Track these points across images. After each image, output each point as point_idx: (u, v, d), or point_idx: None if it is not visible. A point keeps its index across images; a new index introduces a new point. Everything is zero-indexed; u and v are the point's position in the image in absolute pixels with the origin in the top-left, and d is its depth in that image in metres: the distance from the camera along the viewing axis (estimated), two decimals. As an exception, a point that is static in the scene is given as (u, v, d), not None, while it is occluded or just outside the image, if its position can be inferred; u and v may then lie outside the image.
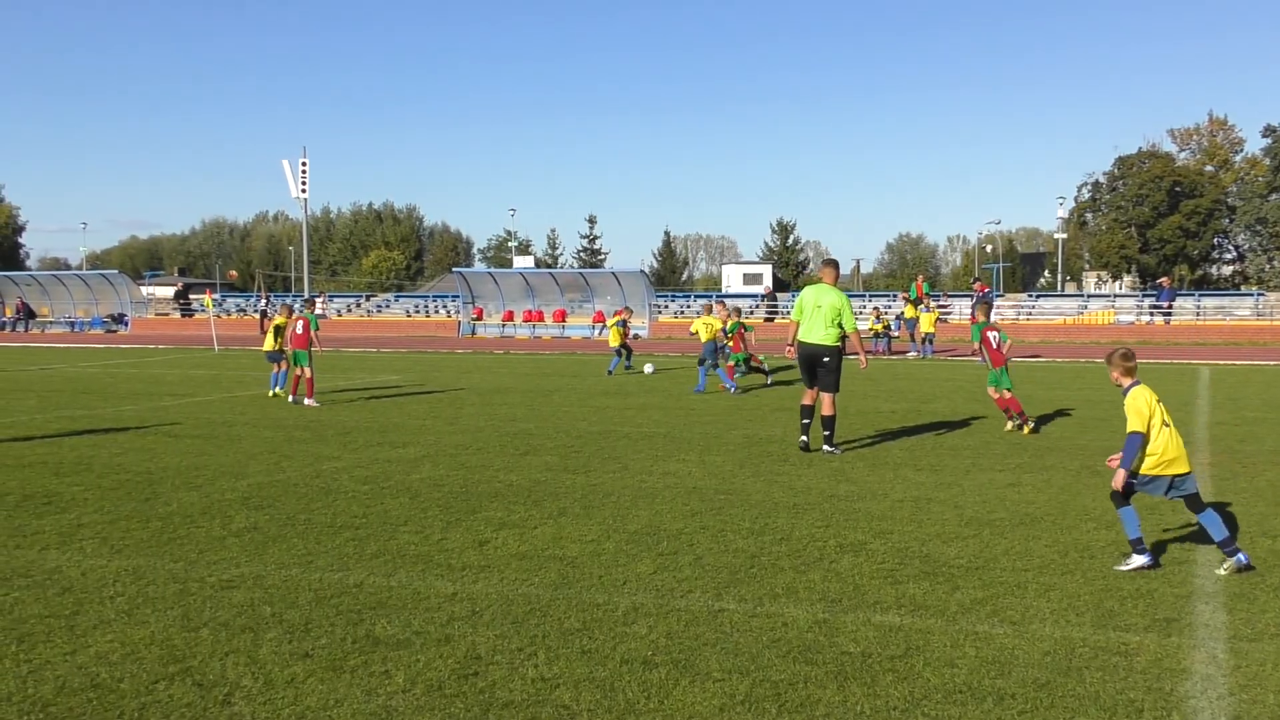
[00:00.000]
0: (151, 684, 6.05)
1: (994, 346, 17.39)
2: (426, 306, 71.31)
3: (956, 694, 5.94)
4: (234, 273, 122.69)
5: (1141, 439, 8.51)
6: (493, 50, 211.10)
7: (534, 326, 60.40)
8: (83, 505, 11.11)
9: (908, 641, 6.78)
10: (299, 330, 21.44)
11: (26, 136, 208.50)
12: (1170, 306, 53.17)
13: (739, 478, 12.75)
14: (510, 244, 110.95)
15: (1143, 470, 8.61)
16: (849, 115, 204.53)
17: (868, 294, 69.79)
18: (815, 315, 14.76)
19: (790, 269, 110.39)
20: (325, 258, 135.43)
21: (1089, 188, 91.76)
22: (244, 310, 72.05)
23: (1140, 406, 8.53)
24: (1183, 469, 8.60)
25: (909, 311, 40.64)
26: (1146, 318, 53.22)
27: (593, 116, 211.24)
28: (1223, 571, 8.39)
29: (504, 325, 60.76)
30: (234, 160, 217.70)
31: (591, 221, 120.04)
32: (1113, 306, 56.91)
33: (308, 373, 21.20)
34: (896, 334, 43.09)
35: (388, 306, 73.71)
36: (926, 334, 39.13)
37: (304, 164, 71.06)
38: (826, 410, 14.80)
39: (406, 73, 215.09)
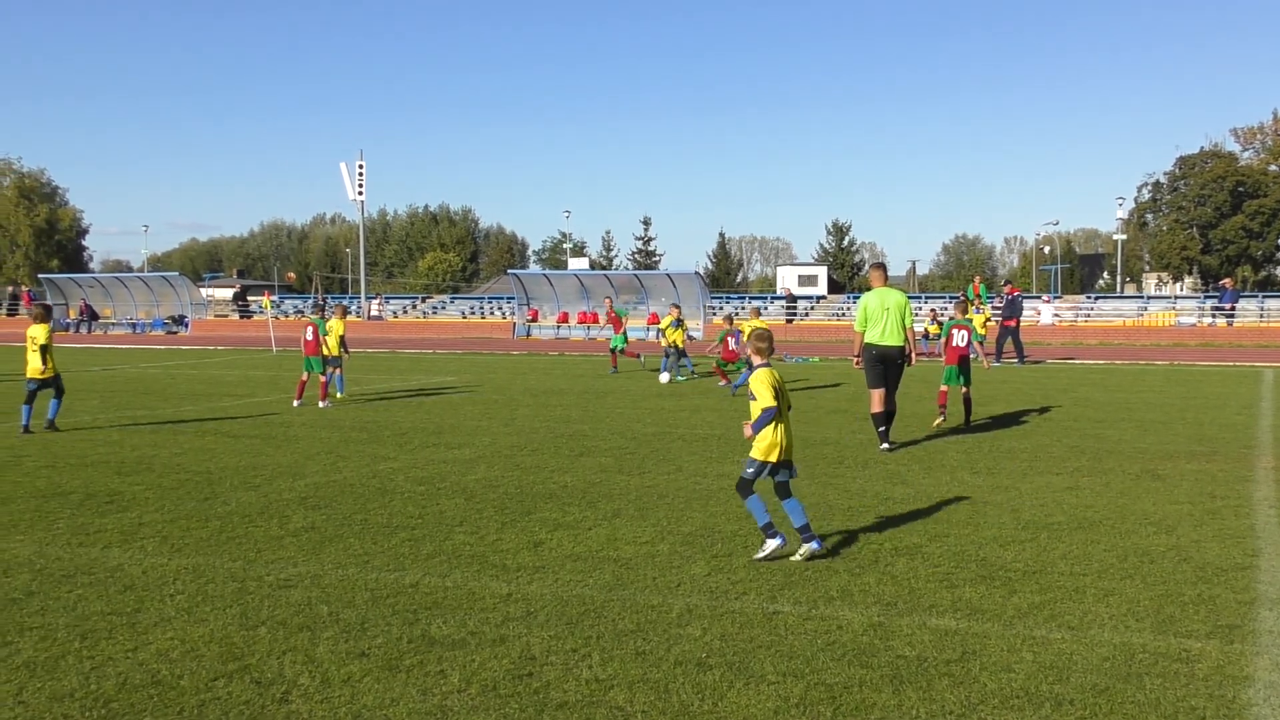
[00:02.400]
0: (211, 681, 6.12)
1: (954, 344, 17.74)
2: (482, 308, 71.60)
3: (1013, 699, 5.88)
4: (292, 275, 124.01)
5: (773, 412, 8.81)
6: (548, 53, 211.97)
7: (588, 328, 60.47)
8: (144, 504, 11.26)
9: (964, 646, 6.73)
10: (308, 337, 21.61)
11: (90, 141, 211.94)
12: (1233, 308, 52.39)
13: (793, 480, 12.67)
14: (565, 246, 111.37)
15: (753, 454, 8.91)
16: (905, 115, 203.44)
17: (923, 295, 69.37)
18: (886, 318, 15.12)
19: (845, 270, 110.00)
20: (382, 259, 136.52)
21: (1149, 188, 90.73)
22: (301, 312, 72.68)
23: (769, 384, 8.86)
24: (775, 458, 8.88)
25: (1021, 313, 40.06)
26: (1209, 320, 52.44)
27: (648, 118, 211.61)
28: (797, 557, 8.82)
29: (559, 327, 60.89)
30: (292, 163, 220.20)
31: (646, 223, 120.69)
32: (1174, 308, 56.14)
33: (320, 377, 21.47)
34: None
35: (443, 308, 74.09)
36: (980, 336, 38.74)
37: (361, 167, 71.58)
38: (889, 407, 15.21)
39: (462, 75, 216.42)
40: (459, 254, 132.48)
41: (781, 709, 5.75)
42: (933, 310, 46.99)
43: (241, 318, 70.84)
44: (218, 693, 5.96)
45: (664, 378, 26.92)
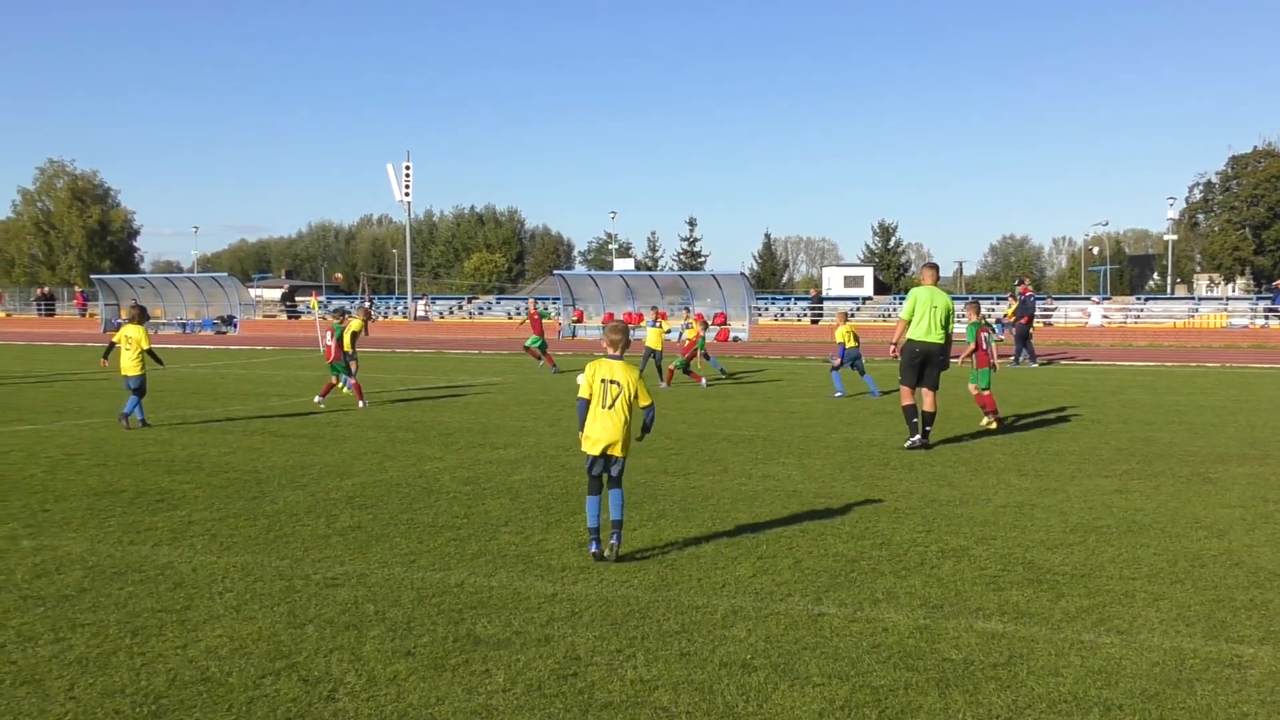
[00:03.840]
0: (259, 679, 6.18)
1: (983, 347, 17.74)
2: (527, 309, 71.79)
3: (1061, 704, 5.83)
4: (339, 275, 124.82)
5: (585, 404, 8.97)
6: (593, 53, 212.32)
7: (634, 328, 60.53)
8: (193, 503, 11.37)
9: (1011, 649, 6.68)
10: (329, 342, 21.71)
11: (141, 143, 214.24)
12: (1286, 310, 51.73)
13: (839, 481, 12.66)
14: (610, 246, 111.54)
15: (584, 448, 8.99)
16: (951, 114, 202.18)
17: (970, 296, 68.92)
18: (931, 316, 15.26)
19: (891, 271, 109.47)
20: (428, 260, 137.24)
21: (1201, 188, 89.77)
22: (348, 312, 73.19)
23: (587, 376, 8.95)
24: (594, 452, 8.95)
25: (1011, 314, 39.83)
26: (1261, 321, 51.78)
27: (693, 118, 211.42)
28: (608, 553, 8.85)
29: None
30: (340, 165, 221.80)
31: (691, 224, 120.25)
32: (1225, 310, 55.49)
33: (345, 381, 21.53)
34: (1000, 337, 42.36)
35: (489, 308, 74.36)
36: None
37: (407, 168, 71.96)
38: (929, 406, 15.31)
39: (508, 76, 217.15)
40: (505, 255, 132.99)
41: (826, 711, 5.73)
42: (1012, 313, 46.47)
43: (289, 318, 71.37)
44: (265, 690, 6.02)
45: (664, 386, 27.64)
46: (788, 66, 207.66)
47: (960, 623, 7.22)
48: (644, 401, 9.17)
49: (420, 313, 71.38)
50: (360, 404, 21.24)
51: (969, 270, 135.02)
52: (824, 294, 77.96)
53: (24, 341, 51.07)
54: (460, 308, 75.81)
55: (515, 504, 11.28)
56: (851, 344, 23.51)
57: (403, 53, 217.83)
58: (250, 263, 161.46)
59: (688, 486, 12.29)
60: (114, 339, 18.35)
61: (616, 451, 9.03)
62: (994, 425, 17.36)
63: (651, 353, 26.50)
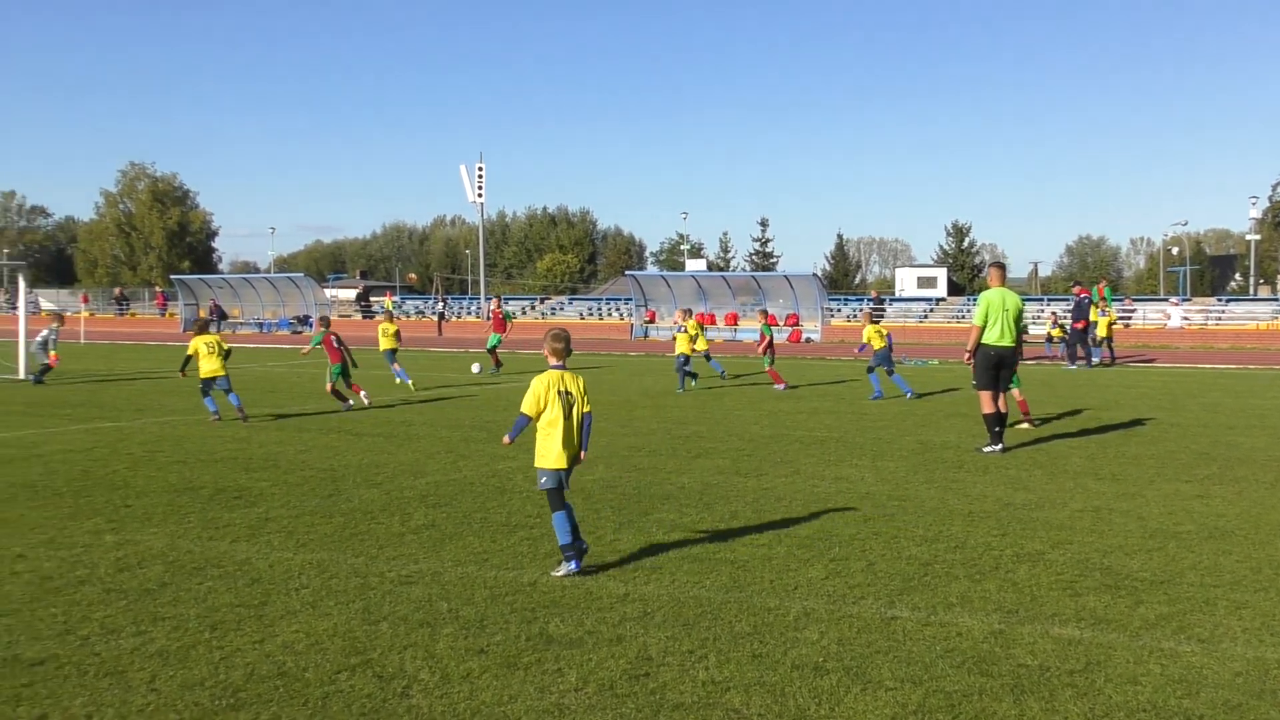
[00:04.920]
0: (334, 674, 6.25)
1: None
2: (600, 309, 72.01)
3: (1140, 712, 5.75)
4: (413, 275, 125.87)
5: (525, 421, 8.68)
6: (665, 54, 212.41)
7: (705, 329, 60.46)
8: (270, 500, 11.53)
9: (1088, 656, 6.60)
10: (334, 345, 21.58)
11: (220, 146, 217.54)
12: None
13: (912, 484, 12.57)
14: (682, 247, 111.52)
15: (538, 464, 8.69)
16: (1026, 112, 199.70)
17: (1045, 298, 68.09)
18: (1004, 319, 15.14)
19: (965, 272, 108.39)
20: (501, 261, 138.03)
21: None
22: (422, 312, 73.84)
23: (538, 390, 8.68)
24: (562, 465, 8.65)
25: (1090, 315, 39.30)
26: (1347, 323, 50.69)
27: (765, 118, 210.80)
28: (555, 574, 8.46)
29: (675, 328, 60.97)
30: (413, 166, 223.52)
31: (764, 224, 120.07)
32: (1311, 311, 54.36)
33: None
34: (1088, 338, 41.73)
35: (562, 309, 74.64)
36: (1103, 338, 37.90)
37: (481, 169, 72.50)
38: (1002, 408, 15.24)
39: (580, 77, 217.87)
40: (577, 255, 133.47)
41: (899, 716, 5.69)
42: (1053, 314, 46.00)
43: (364, 318, 72.14)
44: (341, 686, 6.08)
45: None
46: (862, 65, 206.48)
47: (1036, 628, 7.14)
48: (585, 408, 8.98)
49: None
50: (361, 395, 21.43)
51: (1044, 271, 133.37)
52: (897, 295, 77.46)
53: (106, 341, 52.05)
54: (533, 308, 76.17)
55: (588, 504, 11.31)
56: (880, 344, 23.35)
57: (475, 54, 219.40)
58: (325, 263, 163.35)
59: (760, 488, 12.26)
60: (189, 352, 19.21)
61: (573, 463, 8.81)
62: (1032, 426, 17.55)
63: (683, 359, 25.77)
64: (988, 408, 15.14)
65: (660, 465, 13.87)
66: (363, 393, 21.42)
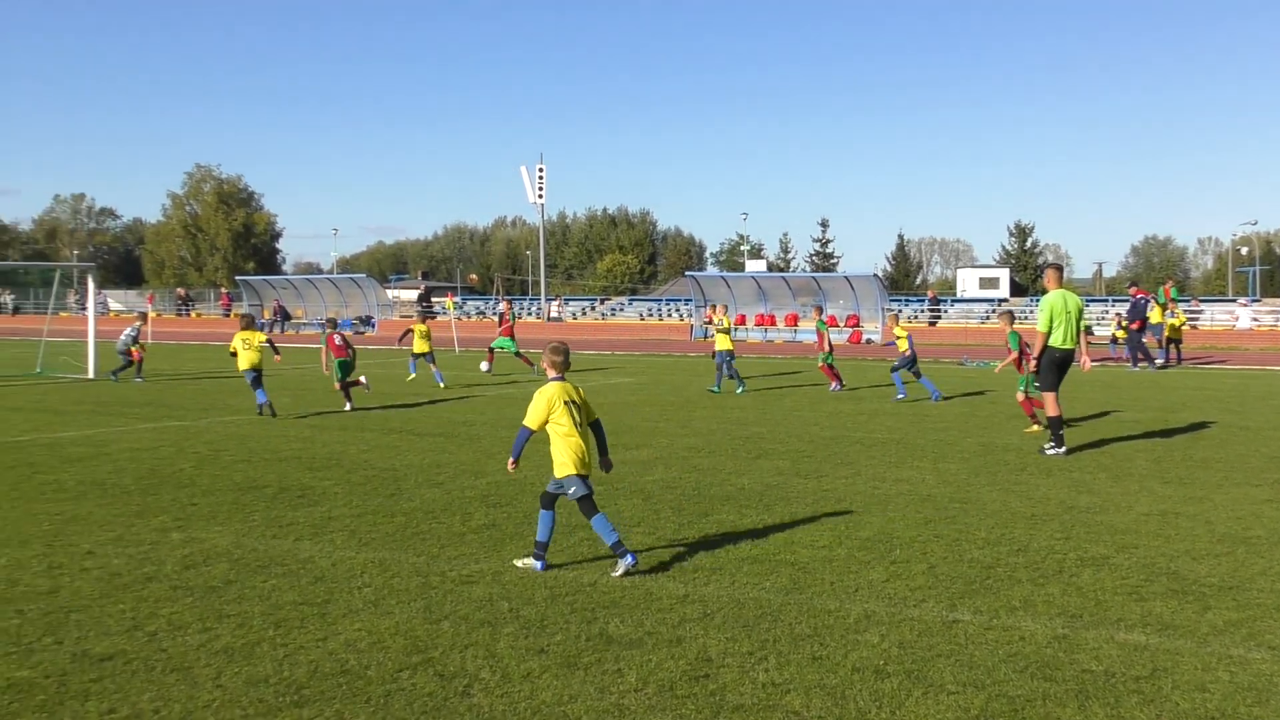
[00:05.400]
0: (396, 672, 6.30)
1: (1028, 353, 17.49)
2: (659, 310, 72.05)
3: None
4: (474, 276, 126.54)
5: (527, 433, 8.67)
6: (725, 55, 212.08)
7: (765, 330, 60.33)
8: (333, 499, 11.64)
9: (1154, 662, 6.51)
10: (338, 343, 21.99)
11: (284, 148, 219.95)
12: None
13: (974, 486, 12.47)
14: (742, 248, 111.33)
15: (564, 473, 8.62)
16: (1091, 111, 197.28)
17: (1110, 299, 67.25)
18: (1068, 322, 15.14)
19: (1028, 273, 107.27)
20: (561, 261, 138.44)
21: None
22: (483, 313, 74.24)
23: (542, 403, 8.65)
24: (585, 471, 8.63)
25: (1155, 316, 38.81)
26: None
27: (826, 119, 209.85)
28: (518, 563, 8.68)
29: (736, 329, 60.87)
30: (474, 167, 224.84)
31: (824, 225, 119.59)
32: (1384, 312, 53.29)
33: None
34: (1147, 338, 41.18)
35: (621, 309, 74.77)
36: (1169, 340, 37.39)
37: (541, 170, 72.75)
38: (1054, 411, 15.16)
39: (640, 78, 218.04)
40: (637, 256, 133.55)
41: (962, 720, 5.65)
42: (1118, 315, 45.42)
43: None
44: (402, 684, 6.13)
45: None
46: (924, 64, 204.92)
47: (1101, 633, 7.05)
48: (594, 416, 9.04)
49: (553, 313, 72.05)
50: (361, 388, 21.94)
51: (1109, 272, 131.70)
52: (959, 295, 76.86)
53: (173, 341, 52.76)
54: (593, 308, 76.37)
55: (647, 504, 11.32)
56: (904, 347, 23.24)
57: (537, 55, 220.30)
58: (387, 264, 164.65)
59: (820, 489, 12.21)
60: (231, 349, 20.30)
61: (589, 469, 8.79)
62: (1038, 430, 17.40)
63: (725, 356, 25.41)
64: (1053, 410, 15.02)
65: (720, 466, 13.85)
66: (363, 378, 21.91)
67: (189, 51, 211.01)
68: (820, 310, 27.11)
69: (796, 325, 59.59)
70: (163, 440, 16.25)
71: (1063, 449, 14.82)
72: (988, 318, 60.56)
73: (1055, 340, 15.06)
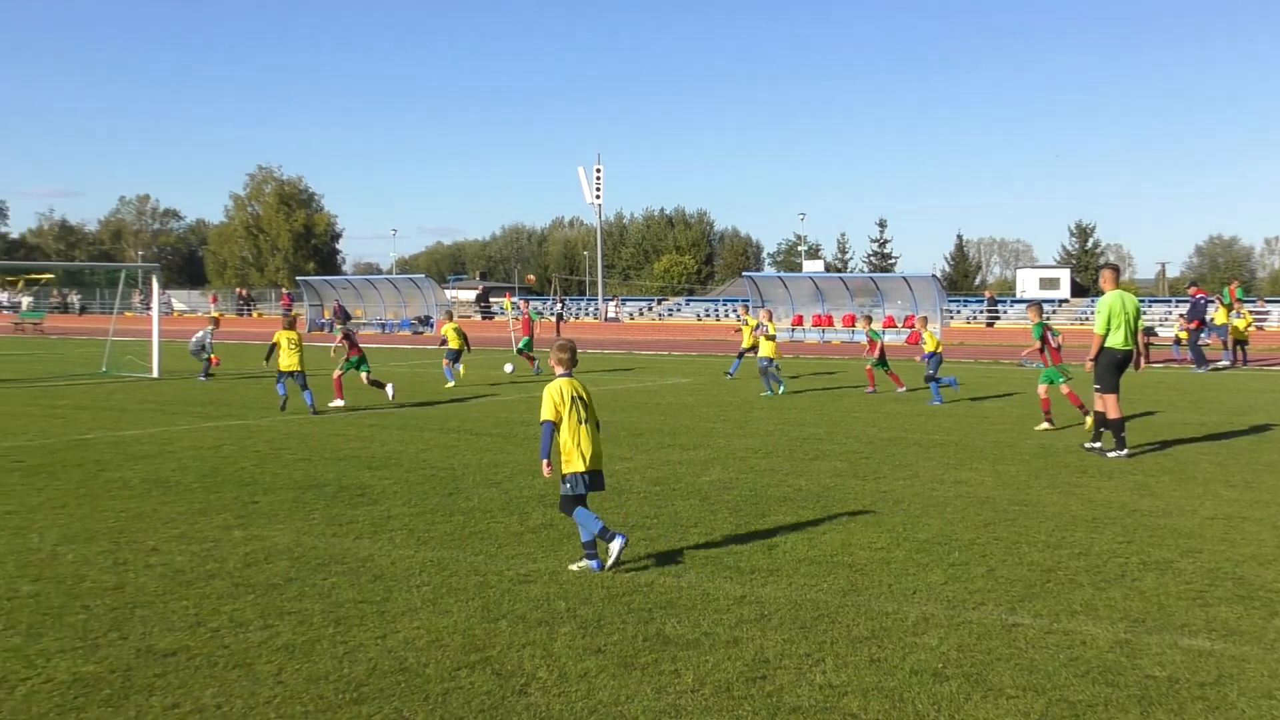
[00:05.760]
0: (454, 671, 6.34)
1: (1054, 346, 18.02)
2: (716, 310, 71.94)
3: (1273, 726, 5.58)
4: (531, 277, 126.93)
5: (550, 427, 8.66)
6: (784, 54, 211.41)
7: (823, 331, 60.09)
8: (392, 498, 11.72)
9: (1219, 668, 6.41)
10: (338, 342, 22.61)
11: (344, 150, 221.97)
12: None
13: (1034, 488, 12.35)
14: (800, 248, 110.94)
15: (561, 470, 8.76)
16: (1153, 108, 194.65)
17: (1173, 299, 66.35)
18: (1126, 321, 15.00)
19: (1089, 274, 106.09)
20: (618, 262, 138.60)
21: None
22: (541, 313, 74.47)
23: (552, 397, 8.71)
24: (583, 468, 8.71)
25: (1220, 317, 38.27)
26: None
27: (883, 119, 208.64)
28: (574, 568, 8.68)
29: (793, 329, 60.69)
30: (532, 168, 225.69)
31: (882, 225, 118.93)
32: None
33: (362, 376, 22.42)
34: (1208, 340, 40.65)
35: (679, 310, 74.76)
36: (1235, 341, 36.85)
37: (599, 171, 72.95)
38: (1115, 414, 15.00)
39: (697, 78, 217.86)
40: (694, 256, 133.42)
41: (1022, 724, 5.60)
42: (1181, 316, 44.77)
43: (483, 319, 73.02)
44: (460, 682, 6.16)
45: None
46: (979, 63, 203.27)
47: (1164, 639, 6.96)
48: (596, 417, 9.12)
49: (610, 314, 72.15)
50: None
51: (1172, 272, 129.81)
52: (1018, 296, 76.17)
53: (234, 340, 53.36)
54: (650, 309, 76.42)
55: (704, 505, 11.31)
56: (931, 347, 23.03)
57: (594, 56, 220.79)
58: (446, 264, 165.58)
59: (878, 491, 12.15)
60: (273, 342, 21.21)
61: (600, 464, 8.91)
62: (1089, 423, 17.19)
63: (766, 362, 24.94)
64: (1114, 412, 14.87)
65: (777, 467, 13.82)
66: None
67: (252, 55, 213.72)
68: (869, 320, 26.60)
69: (854, 326, 59.27)
70: (225, 439, 16.45)
71: (1124, 451, 14.66)
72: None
73: (1115, 341, 14.91)
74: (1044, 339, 18.00)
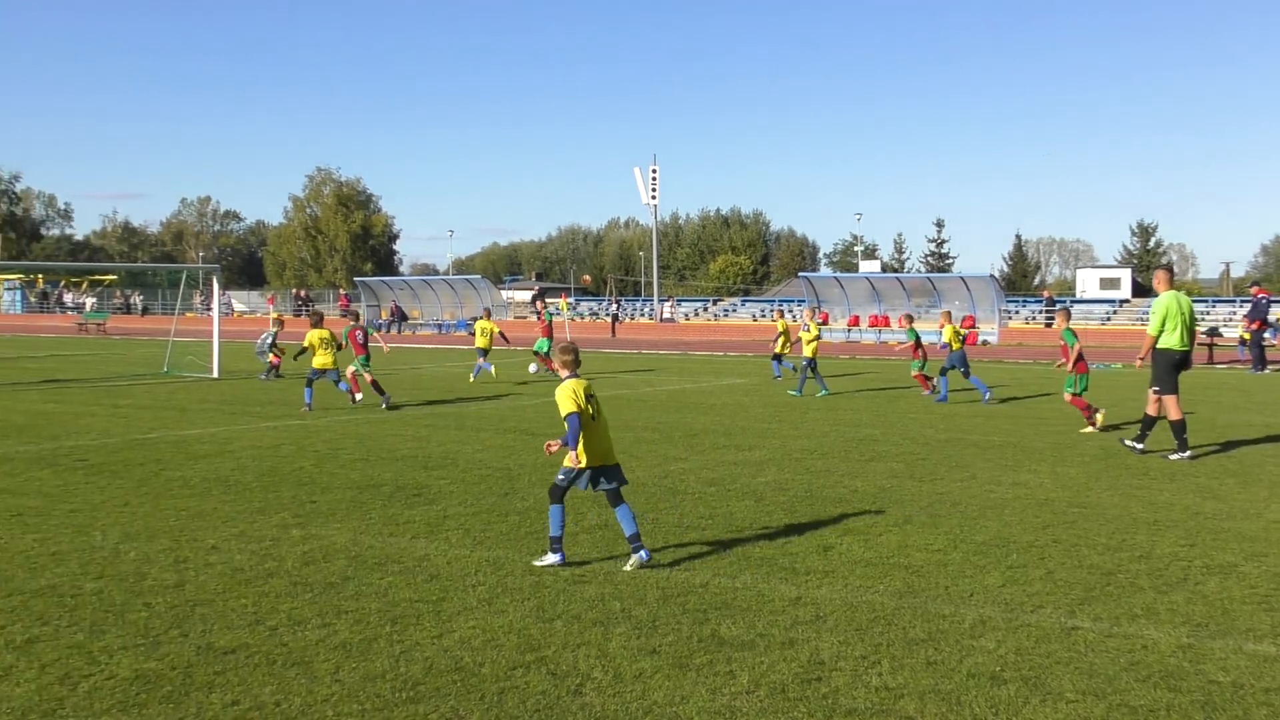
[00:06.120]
0: (509, 670, 6.35)
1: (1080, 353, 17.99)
2: (772, 311, 71.75)
3: (1340, 733, 5.48)
4: (587, 277, 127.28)
5: (576, 419, 8.75)
6: (839, 54, 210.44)
7: (879, 331, 59.77)
8: (448, 498, 11.78)
9: (1284, 673, 6.30)
10: (359, 340, 22.84)
11: (402, 151, 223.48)
12: None
13: (1094, 490, 12.21)
14: (856, 248, 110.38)
15: (564, 462, 8.92)
16: (1217, 104, 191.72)
17: (1237, 300, 65.35)
18: (1183, 322, 14.83)
19: (1150, 274, 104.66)
20: (674, 262, 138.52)
21: None
22: (596, 314, 74.63)
23: (569, 394, 8.84)
24: (590, 463, 8.86)
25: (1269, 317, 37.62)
26: None
27: (941, 117, 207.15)
28: (627, 568, 8.69)
29: (849, 330, 60.44)
30: (588, 169, 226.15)
31: (939, 225, 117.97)
32: None
33: (366, 374, 22.46)
34: (1273, 340, 40.02)
35: (734, 310, 74.63)
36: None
37: (654, 171, 72.90)
38: (1157, 411, 15.02)
39: (754, 78, 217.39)
40: (750, 257, 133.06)
41: (1081, 729, 5.53)
42: (1245, 318, 44.08)
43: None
44: (516, 682, 6.18)
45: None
46: (1040, 61, 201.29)
47: (1228, 643, 6.86)
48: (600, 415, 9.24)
49: (666, 314, 72.16)
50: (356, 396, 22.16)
51: (1237, 271, 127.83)
52: (1078, 296, 75.33)
53: (293, 341, 53.83)
54: (705, 309, 76.33)
55: (759, 506, 11.28)
56: (957, 345, 22.84)
57: (649, 57, 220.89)
58: (502, 265, 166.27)
59: (934, 492, 12.06)
60: (305, 344, 21.62)
61: (613, 459, 9.05)
62: (1100, 421, 17.57)
63: (810, 362, 24.97)
64: (1175, 413, 14.68)
65: (833, 468, 13.75)
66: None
67: (310, 57, 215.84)
68: (910, 319, 26.18)
69: (897, 326, 58.84)
70: (283, 438, 16.61)
71: (1187, 453, 14.46)
72: (1108, 319, 59.31)
73: (1172, 342, 14.78)
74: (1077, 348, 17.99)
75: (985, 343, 53.37)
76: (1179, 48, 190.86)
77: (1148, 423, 15.12)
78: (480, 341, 28.57)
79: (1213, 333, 40.01)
